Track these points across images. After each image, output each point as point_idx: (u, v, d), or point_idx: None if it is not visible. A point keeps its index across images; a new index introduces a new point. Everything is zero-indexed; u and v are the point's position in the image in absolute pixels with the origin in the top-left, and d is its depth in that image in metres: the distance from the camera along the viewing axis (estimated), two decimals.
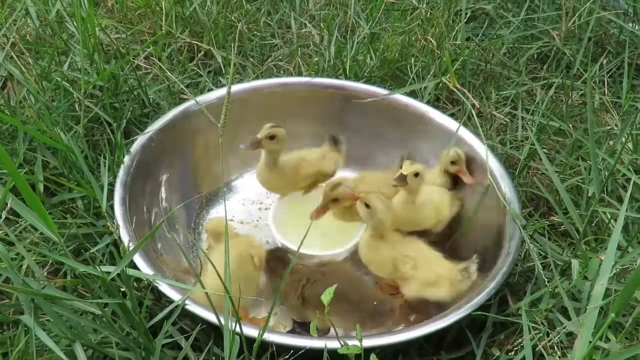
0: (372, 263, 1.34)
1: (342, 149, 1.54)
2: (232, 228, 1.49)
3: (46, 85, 1.58)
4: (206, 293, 0.98)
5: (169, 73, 1.74)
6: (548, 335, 1.01)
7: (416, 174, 1.35)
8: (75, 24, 1.63)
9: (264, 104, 1.61)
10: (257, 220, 1.56)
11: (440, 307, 1.24)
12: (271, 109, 1.61)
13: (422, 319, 1.16)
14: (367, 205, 1.29)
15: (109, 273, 0.97)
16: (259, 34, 2.01)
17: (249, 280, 1.27)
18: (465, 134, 1.48)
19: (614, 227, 0.83)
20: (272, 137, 1.37)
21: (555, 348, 1.01)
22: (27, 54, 1.67)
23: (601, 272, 0.75)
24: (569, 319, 1.06)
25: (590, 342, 0.72)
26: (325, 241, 1.44)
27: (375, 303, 1.25)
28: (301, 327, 1.29)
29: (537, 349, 1.04)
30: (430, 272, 1.27)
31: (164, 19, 1.92)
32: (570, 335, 1.08)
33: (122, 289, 1.05)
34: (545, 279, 1.17)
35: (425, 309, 1.30)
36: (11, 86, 1.60)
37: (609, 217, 1.33)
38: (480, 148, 1.45)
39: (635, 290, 0.74)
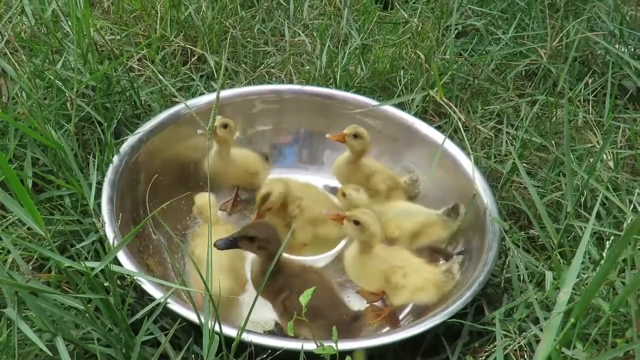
0: (363, 279, 1.36)
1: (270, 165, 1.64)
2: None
3: (39, 83, 1.59)
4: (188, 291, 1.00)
5: (160, 76, 1.76)
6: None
7: (355, 135, 1.49)
8: (70, 24, 1.64)
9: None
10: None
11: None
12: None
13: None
14: (355, 222, 1.29)
15: (93, 269, 0.99)
16: (252, 40, 2.04)
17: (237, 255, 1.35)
18: (450, 146, 1.52)
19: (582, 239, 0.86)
20: (225, 126, 1.48)
21: (522, 351, 1.04)
22: (21, 51, 1.69)
23: (567, 280, 0.78)
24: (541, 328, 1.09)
25: (552, 345, 0.75)
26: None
27: (344, 316, 1.24)
28: (280, 330, 1.30)
29: (506, 353, 1.07)
30: (418, 278, 1.30)
31: (158, 22, 1.95)
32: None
33: (106, 285, 1.06)
34: (522, 288, 1.21)
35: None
36: (4, 82, 1.62)
37: (583, 231, 1.36)
38: (464, 161, 1.48)
39: (593, 295, 0.77)
